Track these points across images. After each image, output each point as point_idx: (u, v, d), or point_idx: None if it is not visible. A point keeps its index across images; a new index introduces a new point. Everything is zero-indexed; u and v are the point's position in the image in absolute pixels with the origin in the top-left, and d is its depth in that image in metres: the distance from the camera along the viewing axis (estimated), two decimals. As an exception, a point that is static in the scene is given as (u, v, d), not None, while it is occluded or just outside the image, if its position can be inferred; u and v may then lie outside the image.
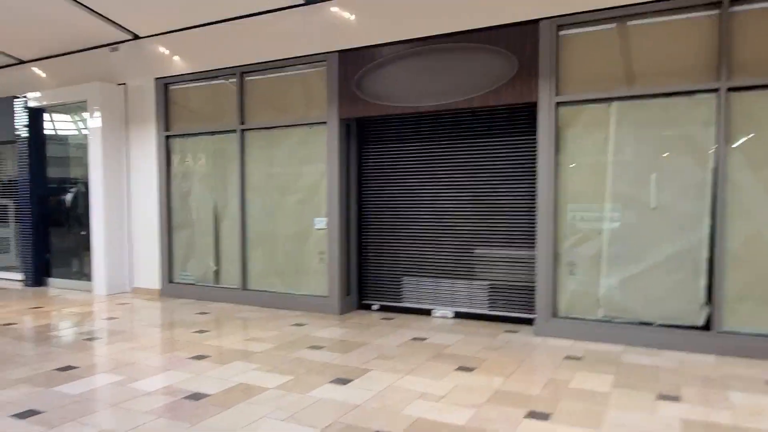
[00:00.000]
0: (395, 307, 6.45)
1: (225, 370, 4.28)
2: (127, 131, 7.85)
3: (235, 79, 6.92)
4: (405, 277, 6.40)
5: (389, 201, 6.41)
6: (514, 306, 5.82)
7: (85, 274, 8.52)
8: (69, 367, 4.39)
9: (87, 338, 5.36)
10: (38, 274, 8.71)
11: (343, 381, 4.02)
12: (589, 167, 5.08)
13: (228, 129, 7.01)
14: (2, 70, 8.87)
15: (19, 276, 9.02)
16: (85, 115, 7.84)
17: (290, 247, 6.70)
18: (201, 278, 7.46)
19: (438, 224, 6.15)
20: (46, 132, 8.55)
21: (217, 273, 7.35)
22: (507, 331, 5.50)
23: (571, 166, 5.15)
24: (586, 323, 5.10)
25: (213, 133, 7.17)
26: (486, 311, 5.97)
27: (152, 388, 3.88)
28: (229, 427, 3.20)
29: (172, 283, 7.63)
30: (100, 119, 7.56)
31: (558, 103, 5.09)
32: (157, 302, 7.28)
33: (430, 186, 6.16)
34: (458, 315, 6.11)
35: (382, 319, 6.14)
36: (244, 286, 7.03)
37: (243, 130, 6.88)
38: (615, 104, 4.94)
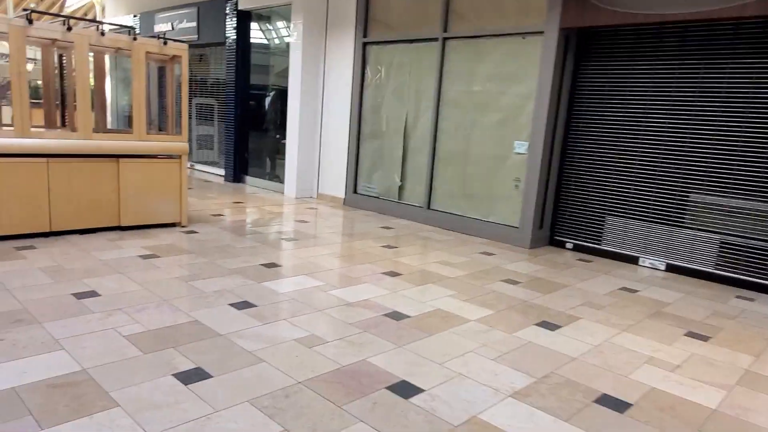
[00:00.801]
0: (593, 248, 5.78)
1: (420, 292, 4.11)
2: (325, 37, 7.80)
3: (441, -18, 6.35)
4: (609, 217, 5.65)
5: (603, 128, 5.57)
6: (751, 268, 4.82)
7: (276, 176, 9.02)
8: (273, 265, 4.56)
9: (284, 238, 5.58)
10: (237, 171, 9.42)
11: (551, 326, 3.61)
12: None
13: (428, 38, 6.55)
14: (216, -27, 9.26)
15: (221, 171, 9.86)
16: (281, 23, 7.92)
17: (483, 170, 6.26)
18: (384, 192, 7.42)
19: (661, 161, 5.22)
20: (252, 37, 8.88)
21: (401, 188, 7.23)
22: (739, 297, 4.60)
23: None
24: None
25: (412, 41, 6.78)
26: (710, 269, 5.06)
27: (352, 299, 3.84)
28: (437, 356, 3.00)
29: (355, 194, 7.72)
30: (302, 23, 7.57)
31: None
32: (341, 210, 7.43)
33: (660, 114, 5.19)
34: (671, 268, 5.28)
35: (579, 260, 5.54)
36: (429, 205, 6.83)
37: (445, 39, 6.37)
38: None
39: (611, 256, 5.64)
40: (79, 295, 3.51)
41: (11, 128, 4.49)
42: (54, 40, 4.68)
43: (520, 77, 5.80)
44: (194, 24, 9.54)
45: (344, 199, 7.85)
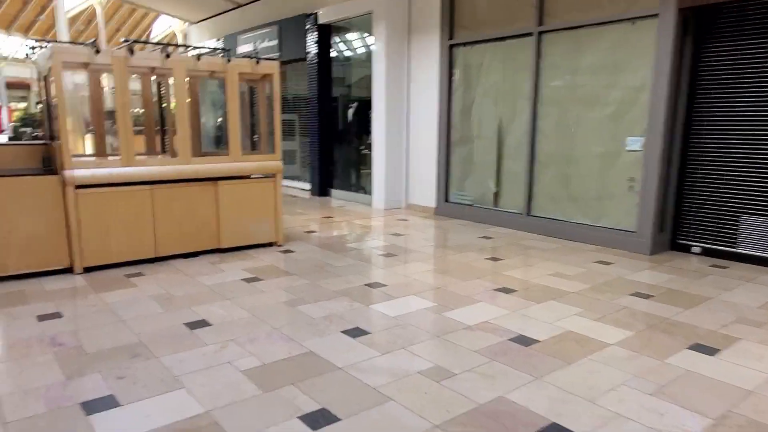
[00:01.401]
0: (726, 252, 5.12)
1: (542, 311, 3.73)
2: (408, 43, 7.57)
3: (533, -28, 5.94)
4: (745, 216, 4.98)
5: (734, 116, 4.93)
6: None
7: (362, 188, 8.89)
8: (377, 284, 4.33)
9: (382, 254, 5.36)
10: (322, 185, 9.38)
11: (707, 350, 3.12)
12: None
13: (522, 33, 6.15)
14: (294, -11, 9.30)
15: (305, 185, 9.87)
16: (361, 33, 7.78)
17: (590, 171, 5.76)
18: (478, 199, 7.06)
19: (811, 149, 4.52)
20: (331, 50, 8.82)
21: (496, 195, 6.84)
22: None
23: None
24: None
25: (503, 38, 6.40)
26: None
27: (470, 321, 3.52)
28: (583, 390, 2.62)
29: (447, 203, 7.40)
30: (384, 31, 7.38)
31: None
32: (433, 221, 7.14)
33: (805, 97, 4.50)
34: (828, 273, 4.55)
35: (711, 266, 4.91)
36: (528, 211, 6.39)
37: (540, 33, 5.94)
38: None
39: (750, 260, 4.97)
40: (191, 325, 3.43)
41: (118, 158, 4.56)
42: (153, 69, 4.74)
43: (631, 67, 5.27)
44: (275, 42, 9.63)
45: (435, 208, 7.55)
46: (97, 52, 4.14)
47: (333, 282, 4.37)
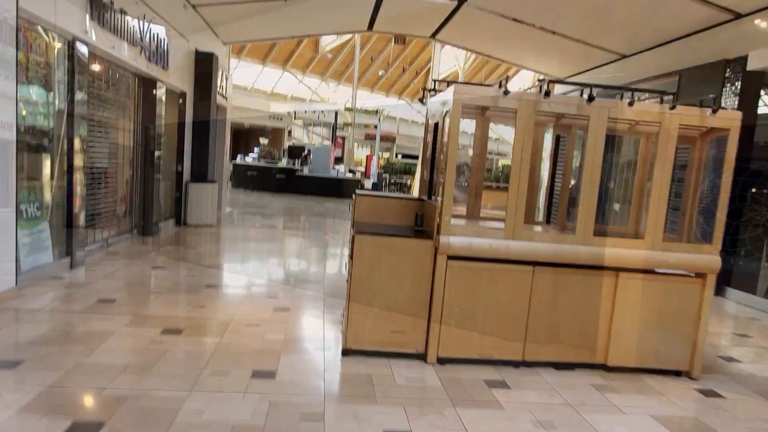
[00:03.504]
0: None
1: None
2: None
3: None
4: None
5: None
6: None
7: (780, 295, 6.22)
8: None
9: None
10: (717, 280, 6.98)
11: None
12: None
13: None
14: (708, 31, 7.38)
15: (682, 276, 7.57)
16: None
17: None
18: None
19: None
20: (759, 106, 6.56)
21: None
22: None
23: None
24: None
25: None
26: None
27: None
28: None
29: None
30: None
31: None
32: None
33: None
34: None
35: None
36: None
37: None
38: None
39: None
40: None
41: (500, 227, 3.56)
42: (560, 116, 3.66)
43: None
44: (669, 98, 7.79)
45: None
46: (506, 93, 3.23)
47: None
